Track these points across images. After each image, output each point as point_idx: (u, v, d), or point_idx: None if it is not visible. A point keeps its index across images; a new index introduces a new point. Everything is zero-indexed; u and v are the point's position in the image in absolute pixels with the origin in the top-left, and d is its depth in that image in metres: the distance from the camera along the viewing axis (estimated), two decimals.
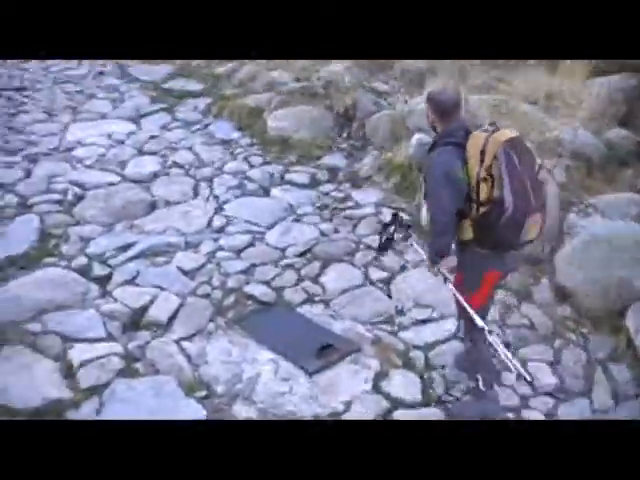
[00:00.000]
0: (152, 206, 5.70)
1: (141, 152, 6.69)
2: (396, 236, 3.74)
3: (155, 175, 6.22)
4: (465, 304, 3.26)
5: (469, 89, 6.46)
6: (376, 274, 4.82)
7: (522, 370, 3.16)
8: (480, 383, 3.44)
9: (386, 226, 3.77)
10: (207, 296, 4.53)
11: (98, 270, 4.77)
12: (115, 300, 4.44)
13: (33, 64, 9.24)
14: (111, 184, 5.99)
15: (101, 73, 8.93)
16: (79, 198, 5.75)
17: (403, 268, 4.85)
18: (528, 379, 3.21)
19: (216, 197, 5.88)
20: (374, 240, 4.53)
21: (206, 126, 7.37)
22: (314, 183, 6.17)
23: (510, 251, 3.28)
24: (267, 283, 4.69)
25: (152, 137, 6.99)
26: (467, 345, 3.62)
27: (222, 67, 8.67)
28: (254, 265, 4.89)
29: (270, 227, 5.42)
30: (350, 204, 5.79)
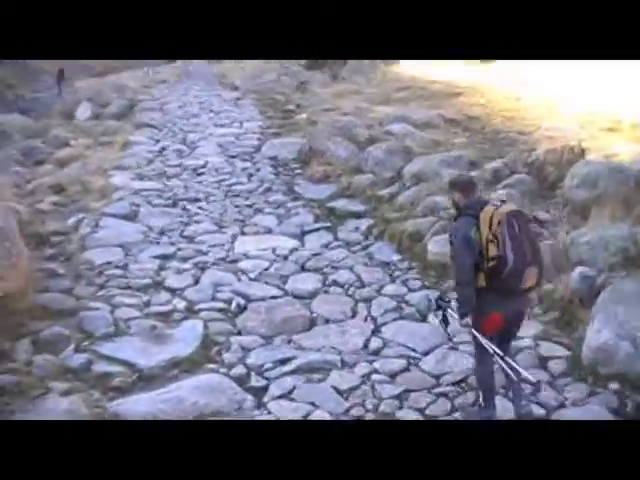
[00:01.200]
0: (311, 322, 6.44)
1: (303, 268, 7.61)
2: (447, 314, 4.79)
3: (315, 292, 7.02)
4: (479, 335, 4.44)
5: (636, 219, 6.72)
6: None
7: (528, 375, 4.39)
8: (480, 398, 4.65)
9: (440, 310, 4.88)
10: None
11: (255, 381, 5.44)
12: (269, 412, 5.00)
13: (206, 177, 10.90)
14: (273, 298, 6.86)
15: (268, 190, 10.29)
16: (242, 309, 6.65)
17: (561, 405, 4.97)
18: (533, 381, 4.41)
19: (374, 318, 6.49)
20: (532, 374, 4.75)
21: (367, 247, 8.19)
22: None
23: (515, 296, 4.45)
24: (420, 410, 5.04)
25: (314, 254, 7.92)
26: (475, 365, 4.85)
27: (385, 190, 9.60)
28: (408, 391, 5.30)
29: (426, 353, 5.86)
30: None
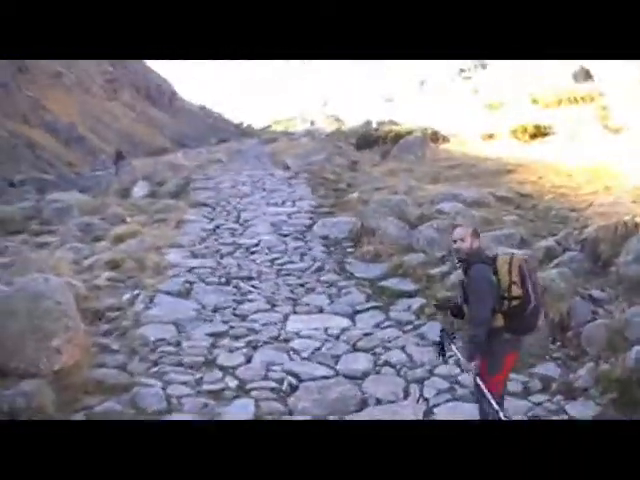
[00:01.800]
0: (363, 403, 6.45)
1: (355, 348, 7.66)
2: (446, 347, 5.25)
3: (367, 372, 7.05)
4: (486, 391, 4.75)
5: None
6: None
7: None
8: None
9: (440, 343, 5.29)
10: None
11: None
12: None
13: (259, 255, 11.16)
14: (324, 377, 6.92)
15: (320, 269, 10.46)
16: (294, 388, 6.72)
17: None
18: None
19: (426, 399, 6.46)
20: None
21: (418, 327, 8.20)
22: (526, 392, 6.54)
23: (526, 335, 5.04)
24: None
25: (366, 334, 7.98)
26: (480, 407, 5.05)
27: (437, 269, 9.67)
28: None
29: None
30: (564, 418, 5.98)
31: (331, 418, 6.10)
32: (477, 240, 5.15)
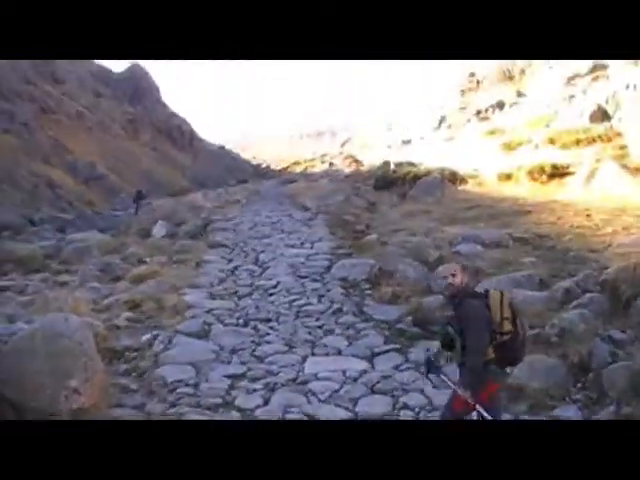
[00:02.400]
0: None
1: (373, 391, 7.64)
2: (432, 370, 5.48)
3: (385, 415, 7.01)
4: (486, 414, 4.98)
5: None
6: None
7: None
8: None
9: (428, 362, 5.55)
10: None
11: None
12: None
13: (277, 297, 11.21)
14: (343, 420, 6.88)
15: (338, 311, 10.48)
16: None
17: None
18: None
19: None
20: None
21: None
22: None
23: (512, 367, 5.37)
24: None
25: (384, 377, 7.95)
26: None
27: None
28: None
29: None
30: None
31: None
32: (466, 275, 5.49)
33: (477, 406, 5.03)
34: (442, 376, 5.47)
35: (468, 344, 5.06)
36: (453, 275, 5.28)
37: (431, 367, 5.50)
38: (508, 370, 5.47)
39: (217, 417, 6.93)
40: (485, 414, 4.98)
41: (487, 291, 5.31)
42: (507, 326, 5.07)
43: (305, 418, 6.92)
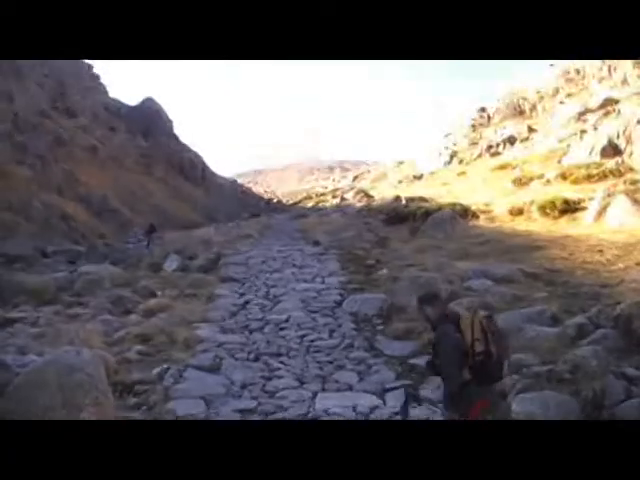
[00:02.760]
0: None
1: None
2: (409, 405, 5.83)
3: None
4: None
5: None
6: None
7: None
8: None
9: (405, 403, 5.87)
10: None
11: None
12: None
13: (288, 331, 11.22)
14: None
15: (350, 346, 10.48)
16: None
17: None
18: None
19: None
20: None
21: None
22: None
23: (494, 384, 5.27)
24: None
25: (396, 413, 7.89)
26: None
27: None
28: None
29: None
30: None
31: None
32: (437, 306, 5.60)
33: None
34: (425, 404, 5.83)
35: (442, 369, 5.27)
36: (425, 310, 5.52)
37: (409, 398, 5.84)
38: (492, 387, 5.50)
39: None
40: None
41: (459, 314, 5.47)
42: (479, 347, 5.13)
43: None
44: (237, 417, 7.79)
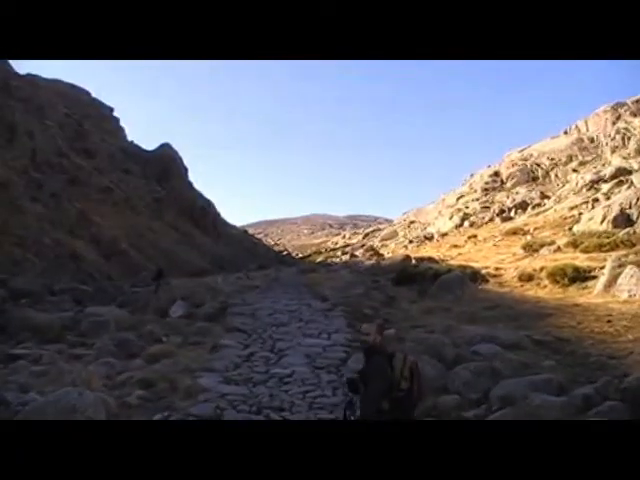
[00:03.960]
0: None
1: None
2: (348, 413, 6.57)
3: None
4: None
5: None
6: None
7: None
8: None
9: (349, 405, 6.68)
10: None
11: None
12: None
13: (291, 386, 11.16)
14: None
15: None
16: None
17: None
18: None
19: None
20: None
21: None
22: None
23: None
24: None
25: None
26: None
27: (471, 411, 9.55)
28: None
29: None
30: None
31: None
32: (379, 336, 6.45)
33: None
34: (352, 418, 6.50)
35: (367, 393, 6.08)
36: (368, 334, 6.59)
37: (349, 407, 6.60)
38: None
39: None
40: None
41: (394, 353, 6.32)
42: (404, 384, 6.06)
43: None
44: None
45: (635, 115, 71.30)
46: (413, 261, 33.78)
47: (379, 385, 5.98)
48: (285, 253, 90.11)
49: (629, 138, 64.05)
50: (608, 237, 27.02)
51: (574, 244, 27.69)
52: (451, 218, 64.67)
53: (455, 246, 43.99)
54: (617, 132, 67.40)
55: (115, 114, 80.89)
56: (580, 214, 39.38)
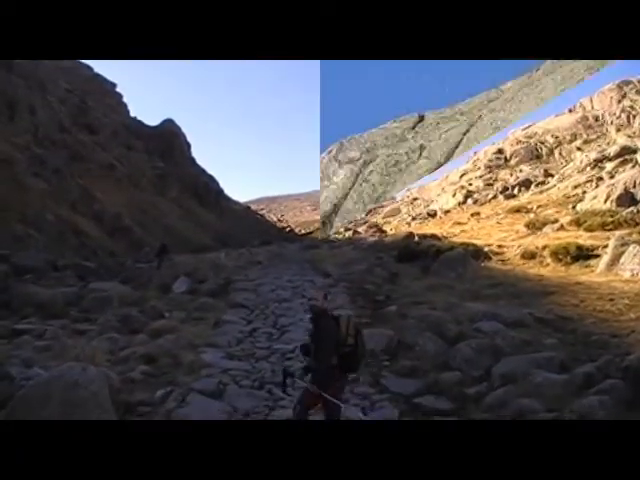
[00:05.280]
0: None
1: None
2: (288, 381, 7.37)
3: None
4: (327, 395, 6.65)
5: None
6: None
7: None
8: None
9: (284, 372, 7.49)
10: None
11: None
12: None
13: (293, 362, 11.18)
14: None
15: (354, 381, 10.40)
16: None
17: None
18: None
19: None
20: None
21: None
22: None
23: (351, 372, 7.18)
24: None
25: None
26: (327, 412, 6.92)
27: (473, 388, 9.58)
28: None
29: None
30: None
31: None
32: (326, 301, 7.26)
33: (324, 395, 6.57)
34: (295, 379, 7.35)
35: (318, 352, 6.75)
36: (316, 299, 7.17)
37: (287, 375, 7.28)
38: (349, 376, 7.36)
39: None
40: (334, 400, 6.61)
41: (339, 315, 7.16)
42: (350, 340, 6.82)
43: None
44: None
45: None
46: (416, 238, 33.72)
47: (328, 343, 6.72)
48: (288, 229, 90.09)
49: (634, 117, 63.65)
50: (612, 216, 26.93)
51: (577, 222, 27.60)
52: (454, 195, 64.46)
53: (458, 223, 43.87)
54: (622, 110, 66.96)
55: (117, 90, 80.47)
56: (584, 192, 39.23)
